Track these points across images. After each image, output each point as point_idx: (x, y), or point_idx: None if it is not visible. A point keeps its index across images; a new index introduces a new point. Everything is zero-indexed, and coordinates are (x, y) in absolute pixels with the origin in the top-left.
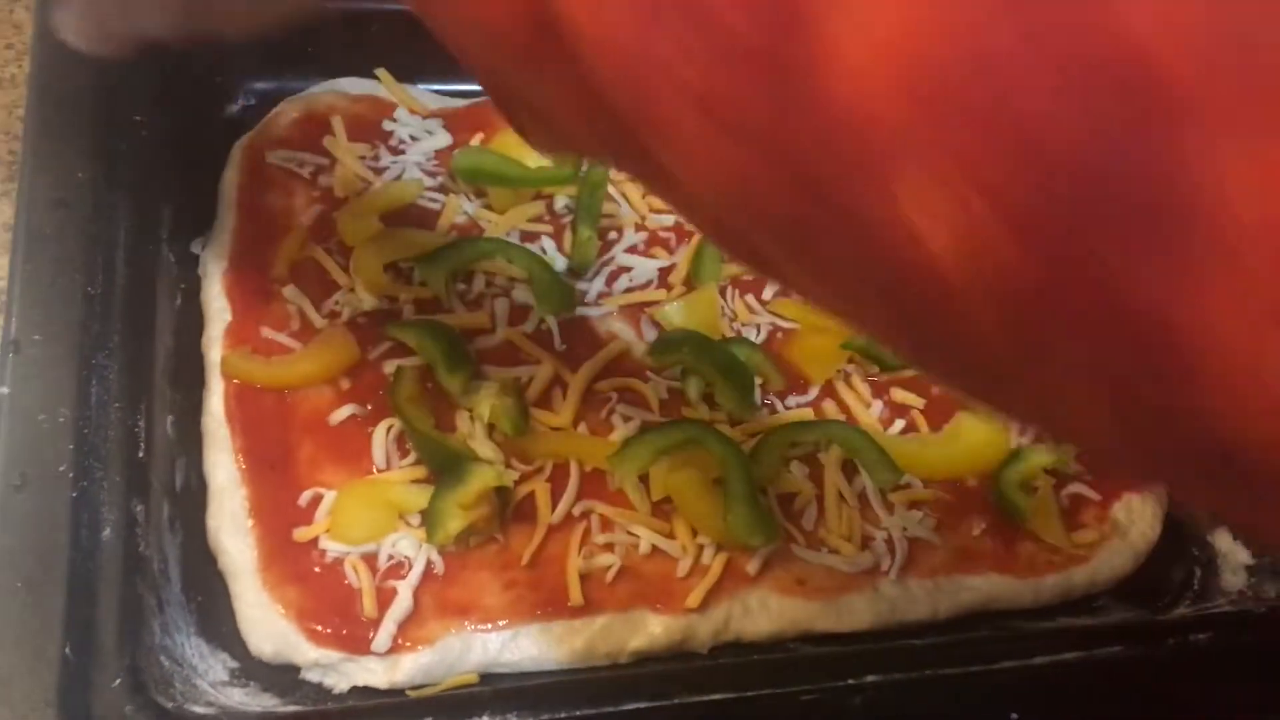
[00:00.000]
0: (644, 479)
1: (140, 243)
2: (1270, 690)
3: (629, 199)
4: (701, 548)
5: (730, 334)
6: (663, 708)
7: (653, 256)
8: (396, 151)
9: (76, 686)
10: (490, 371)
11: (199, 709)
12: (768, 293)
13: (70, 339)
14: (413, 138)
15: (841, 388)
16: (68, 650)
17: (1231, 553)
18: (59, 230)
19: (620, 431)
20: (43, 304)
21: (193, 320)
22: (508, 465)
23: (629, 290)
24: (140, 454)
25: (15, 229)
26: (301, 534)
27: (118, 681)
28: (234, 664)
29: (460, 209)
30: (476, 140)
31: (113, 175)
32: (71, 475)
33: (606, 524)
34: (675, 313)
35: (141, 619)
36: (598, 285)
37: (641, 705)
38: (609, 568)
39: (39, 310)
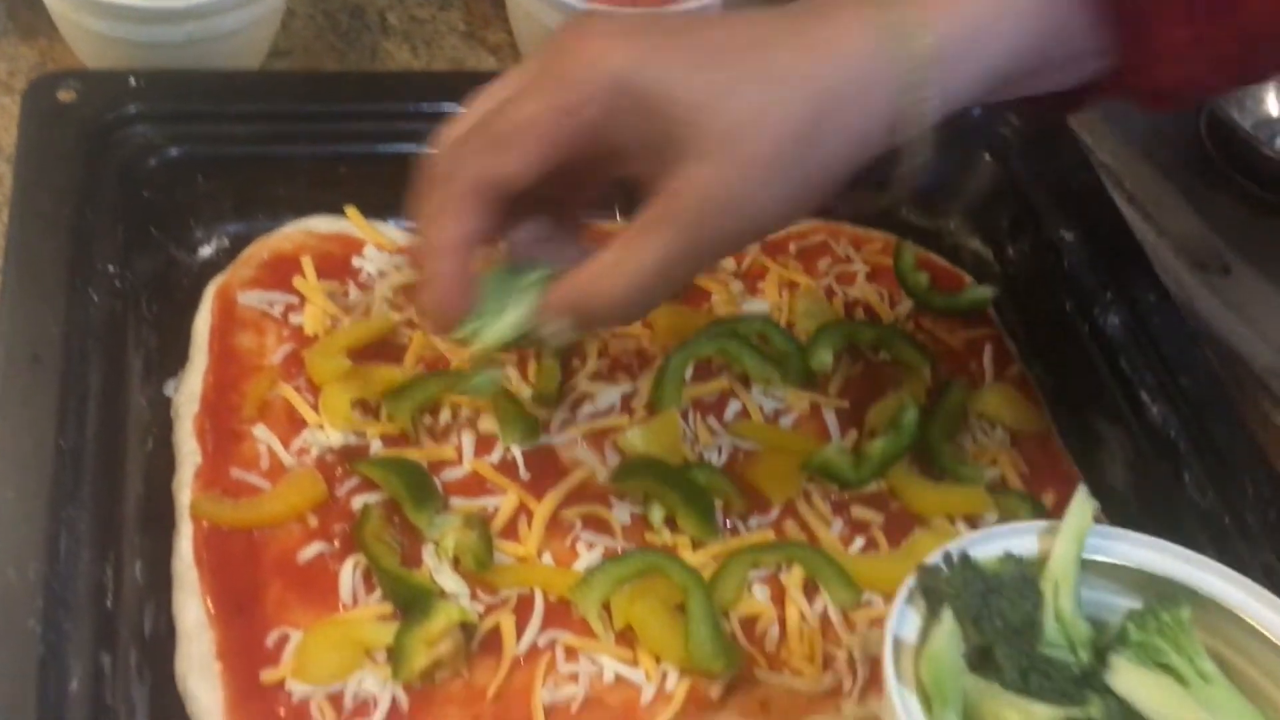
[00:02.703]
0: (607, 607)
1: (112, 390)
2: None
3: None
4: (665, 675)
5: (692, 457)
6: None
7: (615, 382)
8: (365, 287)
9: None
10: (457, 502)
11: None
12: (729, 414)
13: (41, 494)
14: (380, 273)
15: (802, 507)
16: None
17: None
18: (32, 386)
19: (584, 559)
20: (15, 460)
21: (164, 464)
22: (473, 596)
23: (593, 417)
24: (108, 603)
25: None
26: (268, 676)
27: None
28: None
29: (427, 343)
30: None
31: (85, 326)
32: (39, 630)
33: (571, 654)
34: (637, 438)
35: None
36: (561, 413)
37: None
38: (573, 699)
39: (12, 466)
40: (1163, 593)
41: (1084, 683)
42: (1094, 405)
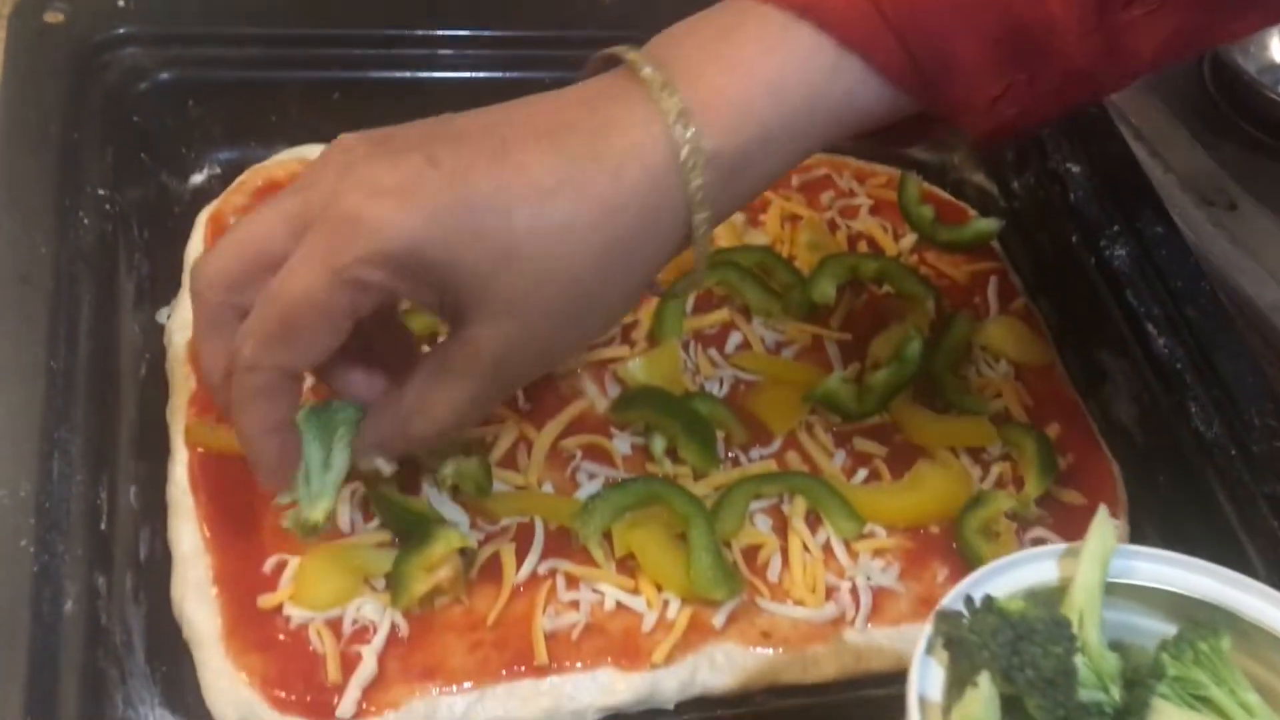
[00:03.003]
0: (608, 536)
1: (103, 314)
2: None
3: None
4: (666, 603)
5: (693, 388)
6: None
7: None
8: None
9: None
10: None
11: None
12: (730, 346)
13: (32, 414)
14: None
15: (804, 439)
16: None
17: None
18: (22, 306)
19: (585, 489)
20: (5, 380)
21: (157, 390)
22: (473, 525)
23: (592, 348)
24: (102, 526)
25: None
26: (266, 601)
27: None
28: None
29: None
30: None
31: (76, 248)
32: (33, 550)
33: (572, 582)
34: (638, 369)
35: (104, 692)
36: None
37: None
38: (574, 626)
39: (1, 386)
40: (1194, 615)
41: None
42: (1099, 338)
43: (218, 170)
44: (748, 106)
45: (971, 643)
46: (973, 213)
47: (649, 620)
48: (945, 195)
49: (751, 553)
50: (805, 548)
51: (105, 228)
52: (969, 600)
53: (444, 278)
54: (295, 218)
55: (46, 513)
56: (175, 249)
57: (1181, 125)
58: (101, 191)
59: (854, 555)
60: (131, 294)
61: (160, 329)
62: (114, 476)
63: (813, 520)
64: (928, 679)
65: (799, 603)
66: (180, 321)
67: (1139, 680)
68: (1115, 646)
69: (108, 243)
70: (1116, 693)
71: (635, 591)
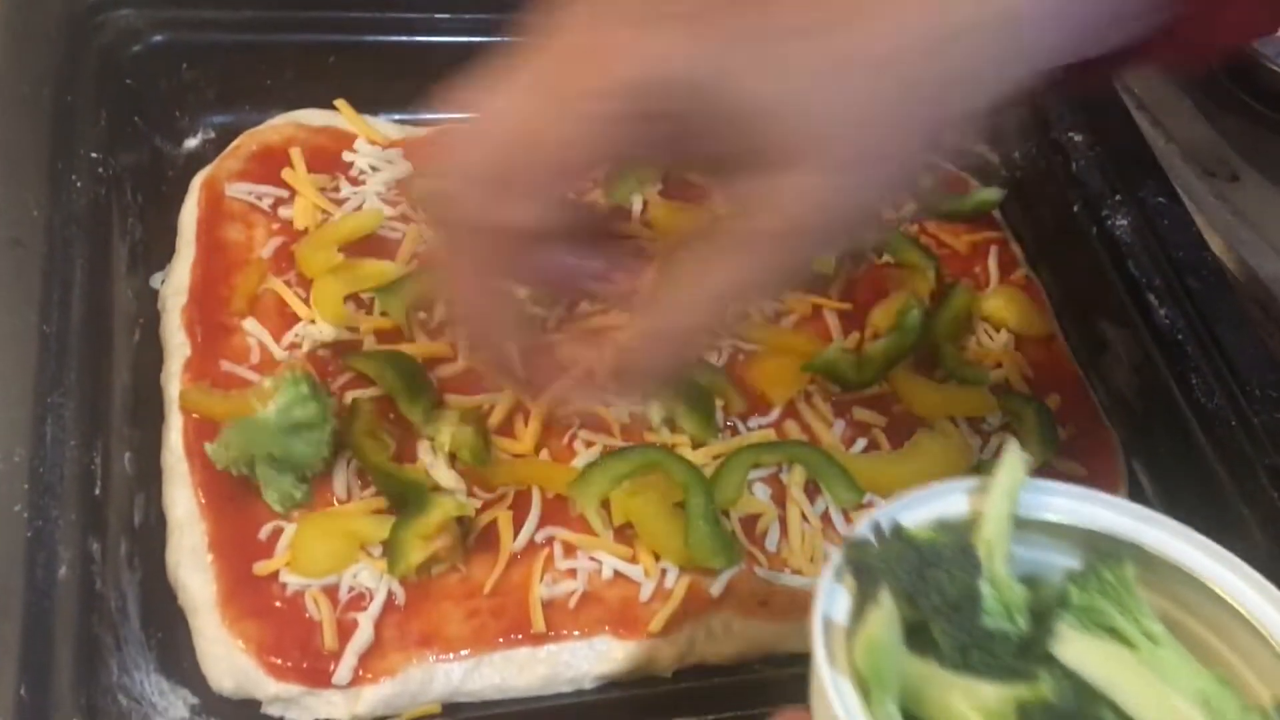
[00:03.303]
0: (606, 504)
1: (97, 279)
2: None
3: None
4: (664, 572)
5: None
6: None
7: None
8: (356, 182)
9: None
10: (452, 400)
11: None
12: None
13: (25, 378)
14: (373, 168)
15: (803, 408)
16: (23, 691)
17: None
18: (14, 269)
19: (582, 457)
20: None
21: (151, 355)
22: (470, 493)
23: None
24: (97, 491)
25: None
26: (262, 567)
27: None
28: (194, 700)
29: (421, 238)
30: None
31: (69, 212)
32: (26, 515)
33: (569, 550)
34: None
35: (99, 657)
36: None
37: None
38: (572, 594)
39: None
40: (1103, 549)
41: (1027, 654)
42: (1100, 308)
43: (212, 134)
44: None
45: (878, 568)
46: (974, 182)
47: (647, 589)
48: (946, 164)
49: (750, 522)
50: (804, 517)
51: (98, 191)
52: (877, 527)
53: (721, 115)
54: (538, 76)
55: (40, 478)
56: (169, 214)
57: (1184, 96)
58: (95, 155)
59: (853, 524)
60: (125, 258)
61: (154, 294)
62: (108, 442)
63: (811, 489)
64: (835, 604)
65: (797, 572)
66: (174, 287)
67: (1045, 610)
68: (1026, 582)
69: (101, 207)
70: (1023, 622)
71: (633, 560)
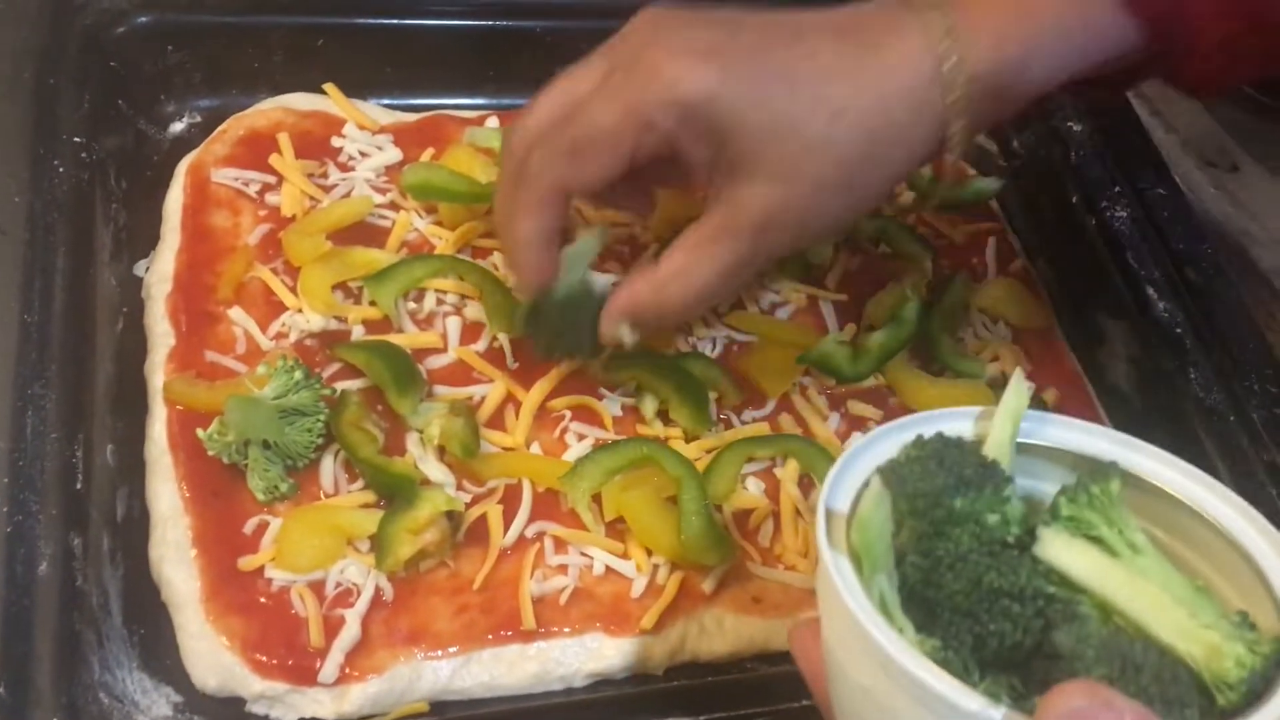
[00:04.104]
0: (597, 499)
1: (79, 267)
2: None
3: (582, 212)
4: (656, 568)
5: (686, 348)
6: None
7: (607, 271)
8: (345, 168)
9: None
10: (442, 391)
11: None
12: (724, 305)
13: (5, 369)
14: (362, 154)
15: (798, 401)
16: (2, 690)
17: None
18: None
19: (573, 450)
20: None
21: (135, 345)
22: (459, 487)
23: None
24: (78, 485)
25: None
26: (247, 563)
27: None
28: (178, 698)
29: (410, 226)
30: (427, 155)
31: (51, 198)
32: (5, 510)
33: (560, 545)
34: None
35: (80, 655)
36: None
37: None
38: (562, 590)
39: None
40: (1096, 473)
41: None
42: (1099, 300)
43: (198, 118)
44: (1007, 31)
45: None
46: (972, 172)
47: (639, 585)
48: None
49: (743, 516)
50: (798, 512)
51: (81, 177)
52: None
53: (725, 136)
54: (600, 72)
55: (20, 471)
56: (154, 200)
57: None
58: (78, 139)
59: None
60: (109, 245)
61: (138, 282)
62: (90, 434)
63: (806, 484)
64: (837, 495)
65: (791, 568)
66: (159, 274)
67: (1035, 521)
68: (1026, 502)
69: (84, 192)
70: (1015, 531)
71: (625, 555)
